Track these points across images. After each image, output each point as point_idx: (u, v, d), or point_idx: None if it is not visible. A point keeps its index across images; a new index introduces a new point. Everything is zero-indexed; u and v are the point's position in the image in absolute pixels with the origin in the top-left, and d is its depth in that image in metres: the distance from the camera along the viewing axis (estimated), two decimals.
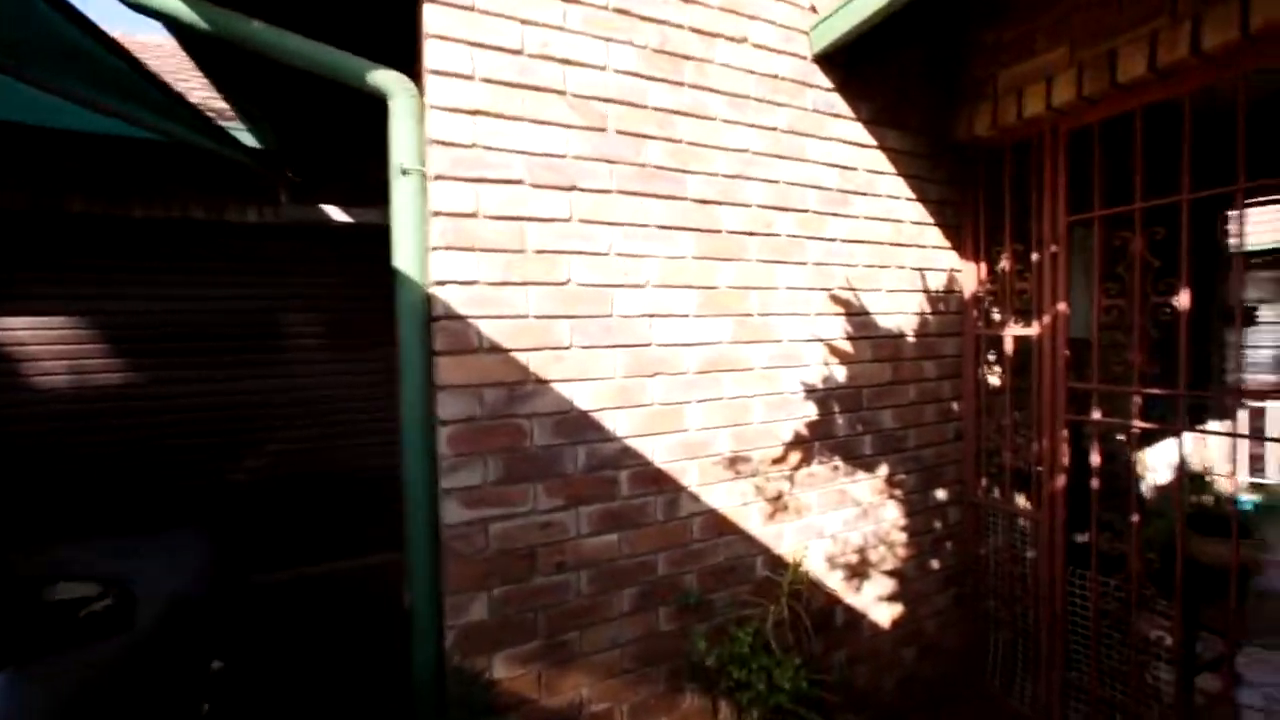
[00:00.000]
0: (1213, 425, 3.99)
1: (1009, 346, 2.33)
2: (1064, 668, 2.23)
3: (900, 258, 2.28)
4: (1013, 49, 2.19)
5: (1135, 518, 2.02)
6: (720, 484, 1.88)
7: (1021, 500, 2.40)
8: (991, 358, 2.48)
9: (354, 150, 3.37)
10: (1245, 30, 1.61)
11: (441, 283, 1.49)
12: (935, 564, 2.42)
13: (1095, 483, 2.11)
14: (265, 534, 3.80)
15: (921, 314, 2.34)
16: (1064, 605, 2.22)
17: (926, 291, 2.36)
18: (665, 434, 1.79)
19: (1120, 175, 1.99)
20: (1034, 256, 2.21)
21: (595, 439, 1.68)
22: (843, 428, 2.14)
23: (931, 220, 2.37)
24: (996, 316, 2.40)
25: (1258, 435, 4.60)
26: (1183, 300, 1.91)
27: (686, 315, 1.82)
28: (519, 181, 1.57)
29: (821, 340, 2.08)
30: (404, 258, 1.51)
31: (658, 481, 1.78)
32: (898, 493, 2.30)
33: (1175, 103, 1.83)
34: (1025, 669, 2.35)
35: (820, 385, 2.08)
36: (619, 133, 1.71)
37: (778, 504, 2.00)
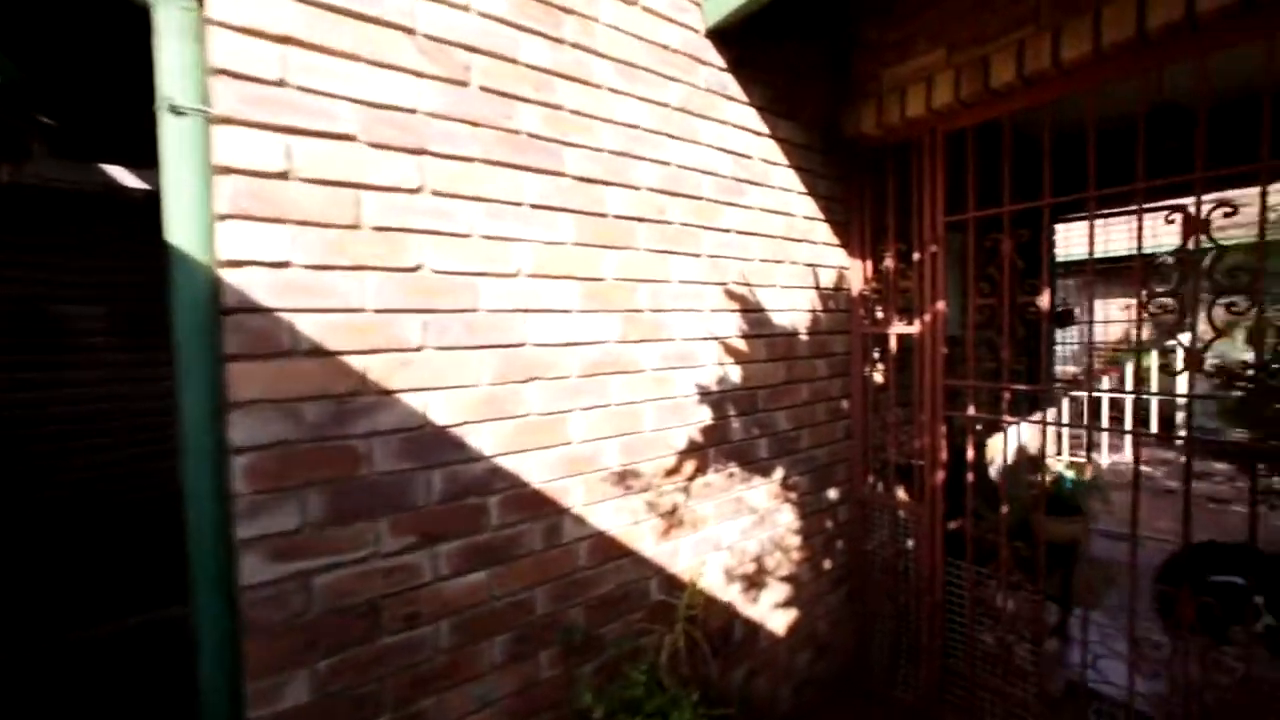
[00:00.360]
0: (1050, 414, 4.46)
1: (893, 344, 2.35)
2: (944, 655, 2.30)
3: (793, 253, 2.21)
4: (896, 49, 2.20)
5: (1004, 508, 2.11)
6: (609, 502, 1.66)
7: (904, 495, 2.45)
8: (877, 355, 2.51)
9: (145, 94, 2.70)
10: (1098, 45, 1.69)
11: (236, 263, 1.11)
12: (827, 564, 2.39)
13: (970, 476, 2.18)
14: (82, 578, 3.00)
15: (813, 311, 2.29)
16: (943, 595, 2.28)
17: (818, 288, 2.31)
18: (545, 449, 1.53)
19: (994, 179, 2.05)
20: (915, 256, 2.24)
21: (456, 460, 1.38)
22: (739, 432, 2.01)
23: (822, 216, 2.33)
24: (881, 314, 2.42)
25: (1160, 435, 5.30)
26: (1044, 301, 2.00)
27: (568, 310, 1.57)
28: (350, 137, 1.23)
29: (717, 339, 1.94)
30: (179, 227, 1.11)
31: (536, 505, 1.52)
32: (792, 495, 2.23)
33: (1041, 110, 1.90)
34: (909, 660, 2.39)
35: (716, 387, 1.94)
36: (485, 90, 1.42)
37: (673, 519, 1.83)
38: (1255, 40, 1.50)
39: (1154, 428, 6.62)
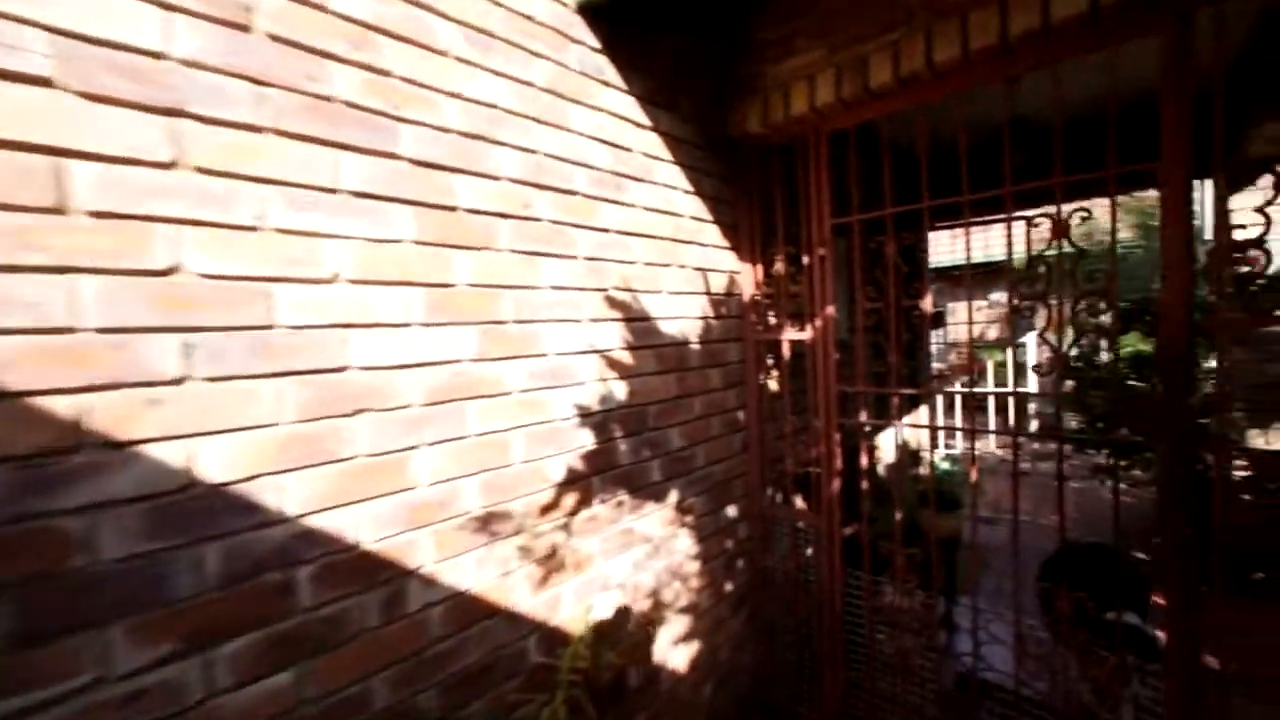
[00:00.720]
0: (929, 412, 4.71)
1: (786, 351, 2.26)
2: (846, 667, 2.23)
3: (681, 255, 2.05)
4: (779, 46, 2.12)
5: (899, 515, 2.08)
6: (470, 554, 1.38)
7: (803, 506, 2.38)
8: (771, 362, 2.42)
9: None
10: (966, 49, 1.68)
11: None
12: (729, 586, 2.25)
13: (865, 484, 2.14)
14: None
15: (705, 318, 2.15)
16: (843, 605, 2.21)
17: (709, 294, 2.17)
18: (379, 498, 1.22)
19: (876, 183, 2.02)
20: (805, 259, 2.17)
21: (245, 526, 1.03)
22: (627, 454, 1.80)
23: (710, 217, 2.19)
24: (775, 320, 2.33)
25: (1068, 435, 5.71)
26: (927, 304, 2.00)
27: (408, 324, 1.27)
28: (45, 82, 0.86)
29: (599, 351, 1.72)
30: None
31: (368, 571, 1.20)
32: (689, 518, 2.06)
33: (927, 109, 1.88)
34: (813, 676, 2.31)
35: (599, 406, 1.71)
36: (277, 40, 1.09)
37: (551, 563, 1.57)
38: (1102, 50, 1.54)
39: (1017, 421, 7.37)
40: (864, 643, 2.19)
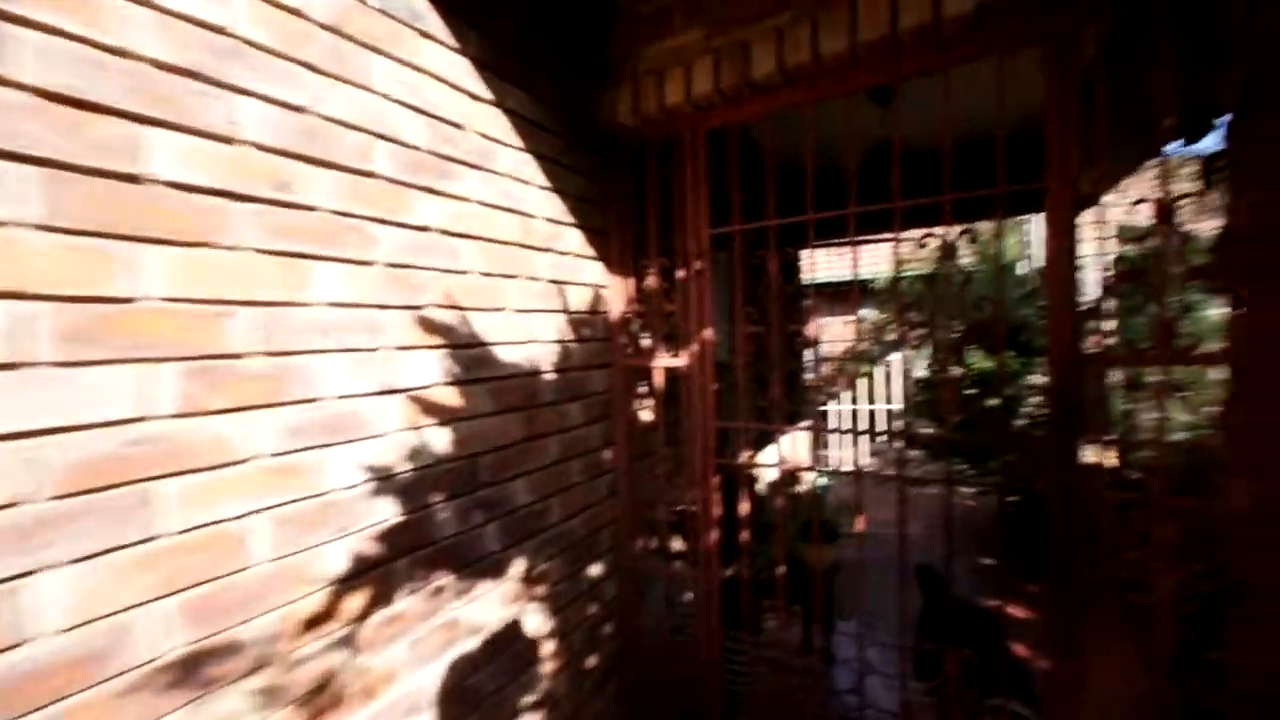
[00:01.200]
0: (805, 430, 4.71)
1: (659, 379, 1.96)
2: None
3: (532, 265, 1.66)
4: (653, 23, 1.82)
5: (782, 569, 1.85)
6: None
7: (680, 551, 2.08)
8: (645, 390, 2.11)
9: None
10: (854, 41, 1.49)
11: None
12: (592, 660, 1.89)
13: (745, 534, 1.89)
14: None
15: (564, 342, 1.78)
16: (723, 662, 1.94)
17: (569, 312, 1.80)
18: None
19: (760, 191, 1.78)
20: (680, 274, 1.88)
21: None
22: (450, 523, 1.37)
23: (573, 220, 1.83)
24: (647, 343, 2.02)
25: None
26: (813, 328, 1.78)
27: (20, 364, 0.76)
28: None
29: (406, 391, 1.28)
30: None
31: None
32: (541, 589, 1.67)
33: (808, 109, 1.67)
34: None
35: (406, 465, 1.27)
36: None
37: (322, 699, 1.10)
38: (990, 55, 1.41)
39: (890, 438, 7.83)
40: (750, 703, 1.93)
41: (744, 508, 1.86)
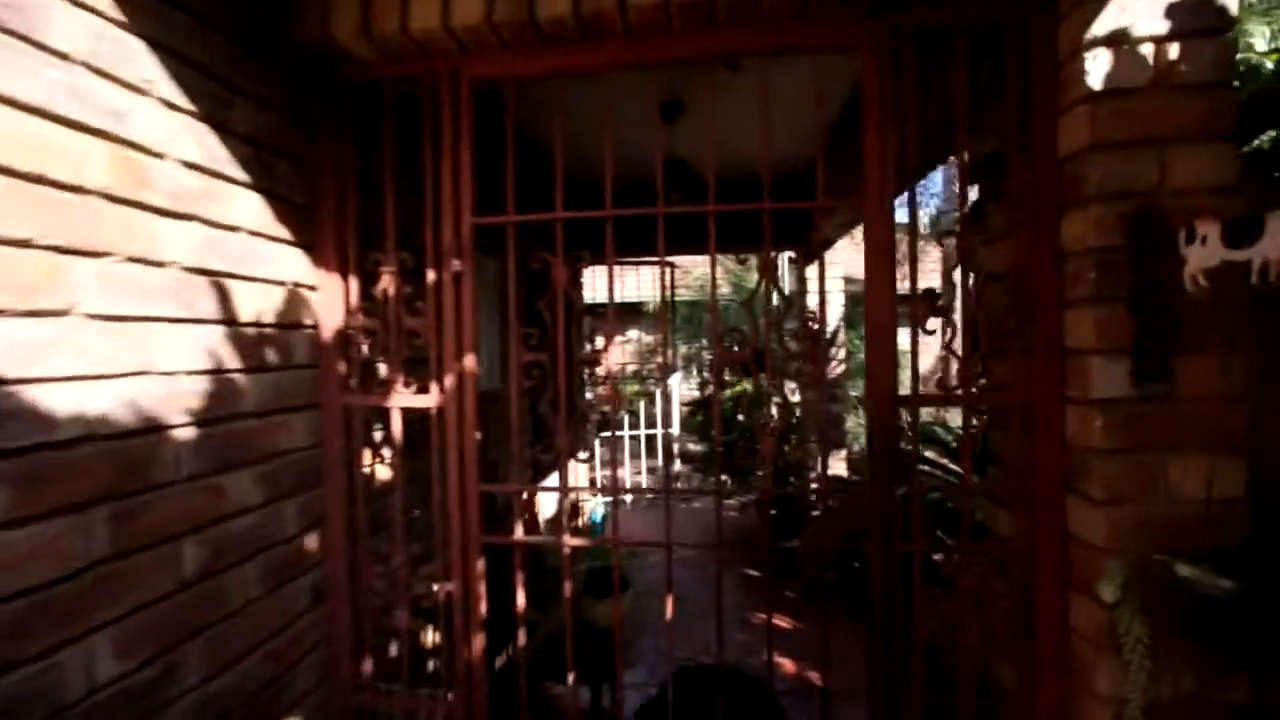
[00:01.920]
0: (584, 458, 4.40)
1: (398, 424, 1.36)
2: None
3: (146, 237, 0.94)
4: None
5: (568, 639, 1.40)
6: None
7: (427, 681, 1.48)
8: (381, 438, 1.48)
9: None
10: None
11: None
12: None
13: (522, 607, 1.39)
14: None
15: (222, 373, 1.07)
16: None
17: (235, 324, 1.11)
18: None
19: (546, 178, 1.35)
20: (430, 276, 1.33)
21: None
22: None
23: (246, 177, 1.14)
24: (384, 371, 1.40)
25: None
26: (611, 356, 1.41)
27: None
28: None
29: None
30: None
31: None
32: None
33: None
34: None
35: None
36: None
37: None
38: (815, 48, 1.23)
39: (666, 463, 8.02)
40: None
41: (520, 594, 1.38)
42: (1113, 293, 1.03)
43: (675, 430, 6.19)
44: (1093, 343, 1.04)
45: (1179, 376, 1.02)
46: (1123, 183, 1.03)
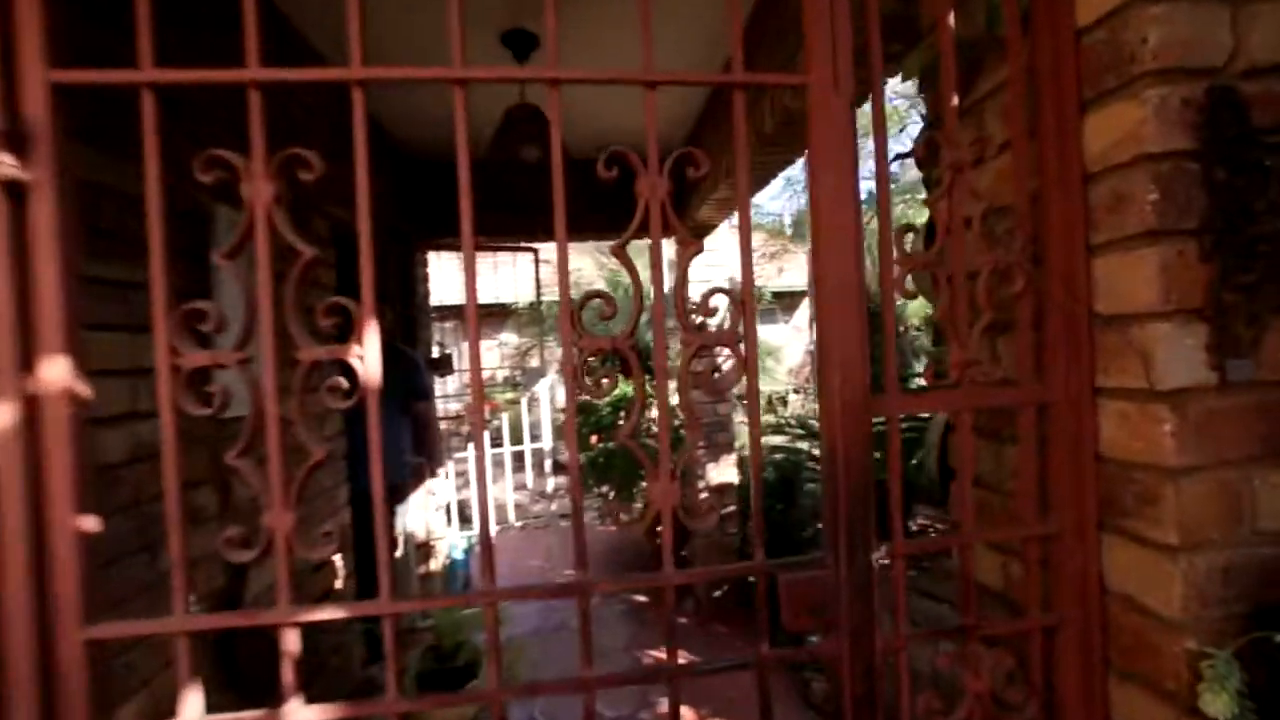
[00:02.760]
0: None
1: None
2: None
3: None
4: None
5: None
6: None
7: None
8: None
9: None
10: None
11: None
12: None
13: None
14: None
15: None
16: None
17: None
18: None
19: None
20: None
21: None
22: None
23: None
24: None
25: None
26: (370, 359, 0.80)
27: None
28: None
29: None
30: None
31: None
32: None
33: None
34: None
35: None
36: None
37: None
38: None
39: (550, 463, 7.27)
40: None
41: None
42: (1179, 224, 0.67)
43: (547, 443, 5.56)
44: (1151, 302, 0.67)
45: (1263, 352, 0.68)
46: (1185, 53, 0.66)
